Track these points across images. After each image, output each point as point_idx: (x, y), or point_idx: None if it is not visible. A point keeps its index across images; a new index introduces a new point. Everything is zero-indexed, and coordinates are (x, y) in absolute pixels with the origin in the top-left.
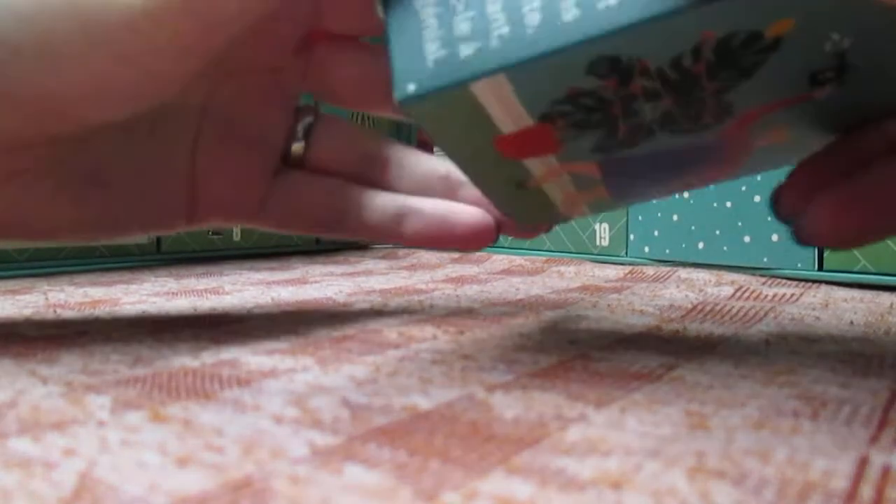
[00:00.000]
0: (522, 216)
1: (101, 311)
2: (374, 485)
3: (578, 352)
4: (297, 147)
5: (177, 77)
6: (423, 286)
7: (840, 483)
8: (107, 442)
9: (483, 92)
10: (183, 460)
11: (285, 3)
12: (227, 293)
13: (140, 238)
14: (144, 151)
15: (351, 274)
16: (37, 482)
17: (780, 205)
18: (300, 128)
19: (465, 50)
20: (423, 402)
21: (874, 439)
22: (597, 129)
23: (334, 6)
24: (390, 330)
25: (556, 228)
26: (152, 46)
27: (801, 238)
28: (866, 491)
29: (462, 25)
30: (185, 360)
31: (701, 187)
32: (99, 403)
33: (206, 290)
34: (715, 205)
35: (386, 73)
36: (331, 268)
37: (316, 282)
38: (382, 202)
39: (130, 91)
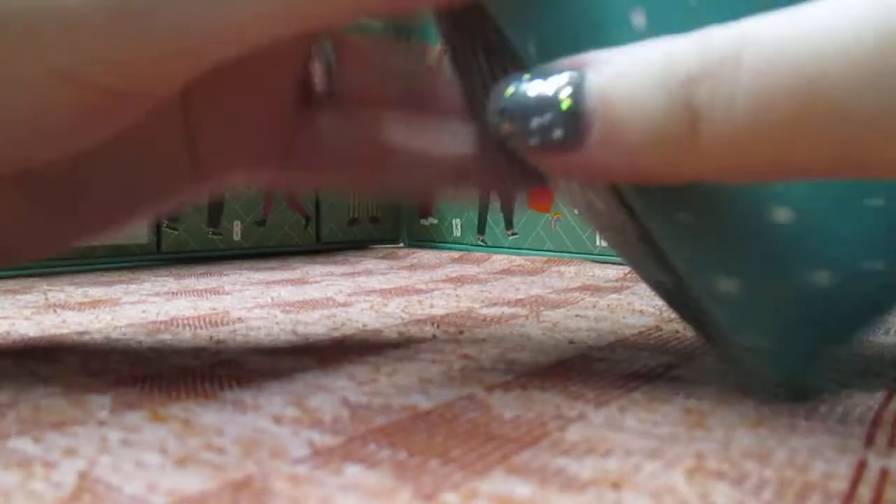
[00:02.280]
0: None
1: (101, 311)
2: (373, 485)
3: (578, 352)
4: (320, 80)
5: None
6: (423, 286)
7: (839, 484)
8: (107, 442)
9: None
10: (183, 460)
11: None
12: (227, 293)
13: (141, 237)
14: None
15: (351, 274)
16: (37, 482)
17: None
18: (321, 58)
19: None
20: (423, 402)
21: (872, 439)
22: None
23: None
24: (390, 330)
25: (557, 229)
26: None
27: None
28: (865, 492)
29: None
30: (185, 360)
31: None
32: (99, 403)
33: (206, 290)
34: None
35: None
36: (331, 268)
37: (316, 282)
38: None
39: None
